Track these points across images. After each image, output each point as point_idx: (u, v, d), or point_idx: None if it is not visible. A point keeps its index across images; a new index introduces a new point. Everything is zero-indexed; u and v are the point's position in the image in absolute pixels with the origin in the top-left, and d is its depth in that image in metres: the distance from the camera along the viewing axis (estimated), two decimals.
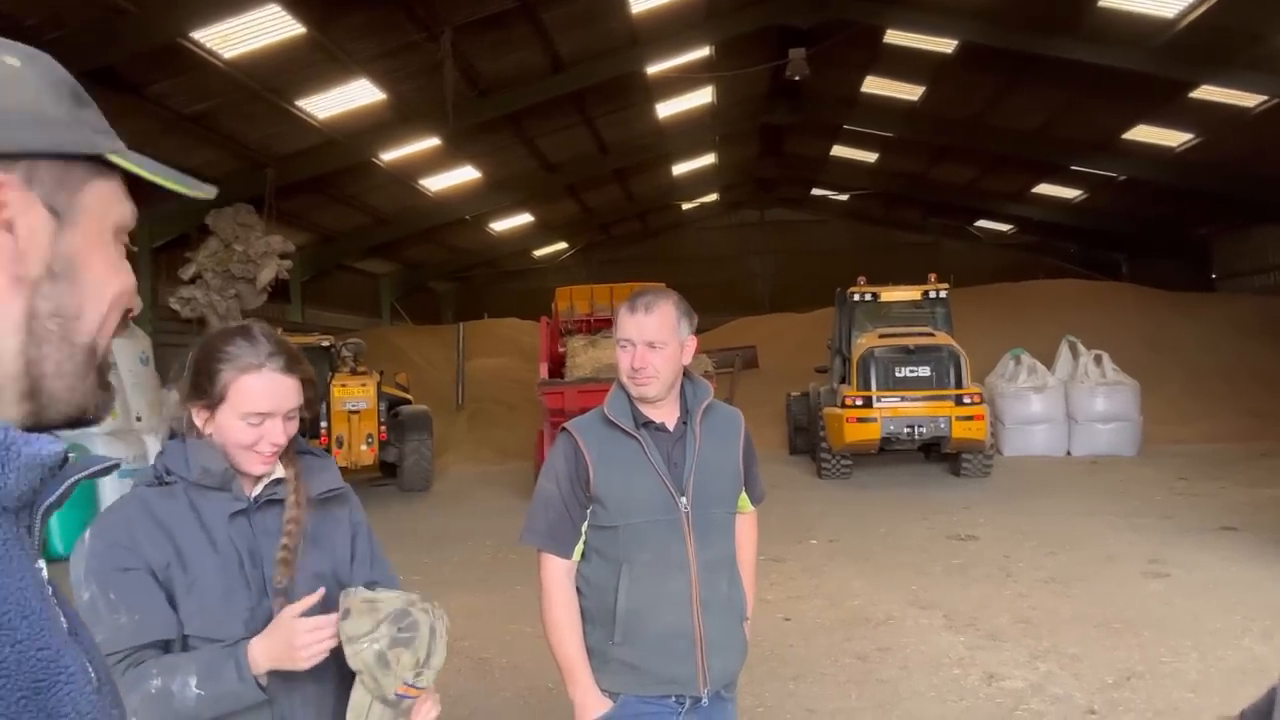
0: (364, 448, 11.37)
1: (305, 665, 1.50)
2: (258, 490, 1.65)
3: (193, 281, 14.27)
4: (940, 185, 23.27)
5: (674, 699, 2.08)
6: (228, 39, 10.35)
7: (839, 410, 10.80)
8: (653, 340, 2.05)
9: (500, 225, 23.19)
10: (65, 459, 0.62)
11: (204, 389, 1.59)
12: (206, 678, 1.46)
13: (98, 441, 8.75)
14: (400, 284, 24.55)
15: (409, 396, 13.38)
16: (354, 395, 11.37)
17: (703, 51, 15.53)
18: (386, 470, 12.25)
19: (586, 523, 2.11)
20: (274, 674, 1.52)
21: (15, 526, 0.62)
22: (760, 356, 19.78)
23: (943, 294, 12.20)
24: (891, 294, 12.29)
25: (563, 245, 27.61)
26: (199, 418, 1.61)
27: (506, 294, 26.80)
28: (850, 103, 18.50)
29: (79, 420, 0.67)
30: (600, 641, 2.08)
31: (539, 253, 27.55)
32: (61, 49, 8.24)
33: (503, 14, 12.07)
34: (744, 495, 2.28)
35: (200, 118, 12.03)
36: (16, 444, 0.60)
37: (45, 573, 0.65)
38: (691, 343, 2.14)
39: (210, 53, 10.42)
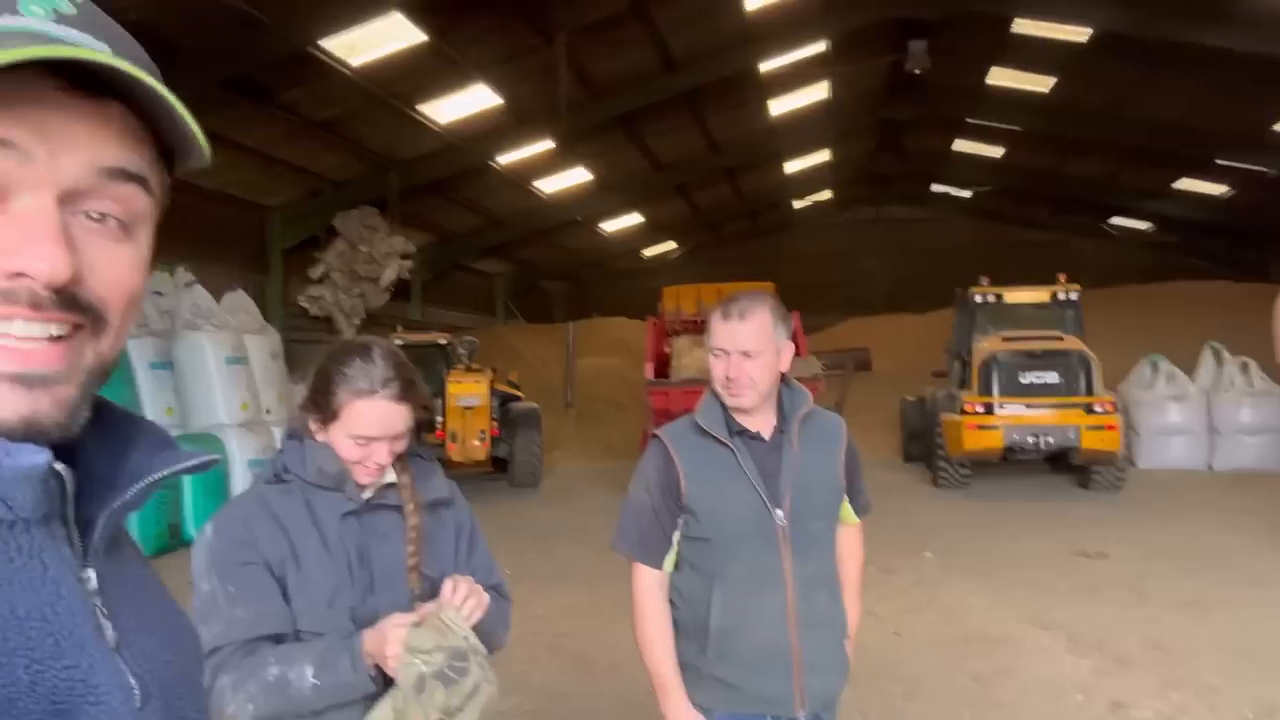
0: (477, 443, 11.65)
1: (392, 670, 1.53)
2: (369, 493, 1.69)
3: (321, 281, 15.00)
4: (1072, 180, 22.09)
5: (769, 719, 2.00)
6: (355, 47, 10.79)
7: (958, 417, 10.38)
8: (748, 349, 1.96)
9: (610, 225, 23.40)
10: (54, 468, 0.56)
11: (320, 404, 1.65)
12: (323, 667, 1.51)
13: (231, 434, 9.27)
14: (514, 283, 25.10)
15: (520, 394, 13.64)
16: (468, 392, 11.66)
17: (818, 47, 15.22)
18: (498, 465, 12.52)
19: (679, 533, 2.04)
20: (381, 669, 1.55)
21: (34, 538, 0.58)
22: (874, 359, 19.27)
23: (1073, 296, 11.53)
24: (1017, 295, 11.70)
25: (671, 245, 27.64)
26: (314, 425, 1.68)
27: (616, 293, 27.03)
28: (974, 95, 17.78)
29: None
30: (693, 656, 2.02)
31: (648, 252, 27.67)
32: (199, 58, 8.76)
33: (615, 16, 12.15)
34: (846, 506, 2.17)
35: (328, 124, 12.58)
36: None
37: (94, 582, 0.61)
38: (788, 348, 2.04)
39: (338, 61, 10.88)
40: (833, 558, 2.09)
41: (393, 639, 1.51)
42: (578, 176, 18.26)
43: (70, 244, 0.55)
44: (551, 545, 8.40)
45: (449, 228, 18.98)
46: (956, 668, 4.97)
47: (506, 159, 15.75)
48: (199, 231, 12.82)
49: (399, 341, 12.15)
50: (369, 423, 1.62)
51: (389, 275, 15.26)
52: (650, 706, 4.31)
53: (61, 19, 0.56)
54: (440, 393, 11.52)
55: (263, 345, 10.41)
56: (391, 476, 1.71)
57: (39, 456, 0.54)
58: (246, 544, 1.59)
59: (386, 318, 16.04)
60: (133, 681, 0.61)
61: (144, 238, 0.62)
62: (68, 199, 0.56)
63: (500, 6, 10.97)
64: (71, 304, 0.56)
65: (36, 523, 0.58)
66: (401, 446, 1.69)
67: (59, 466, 0.56)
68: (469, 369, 12.27)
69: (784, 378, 2.06)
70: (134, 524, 7.92)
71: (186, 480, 8.62)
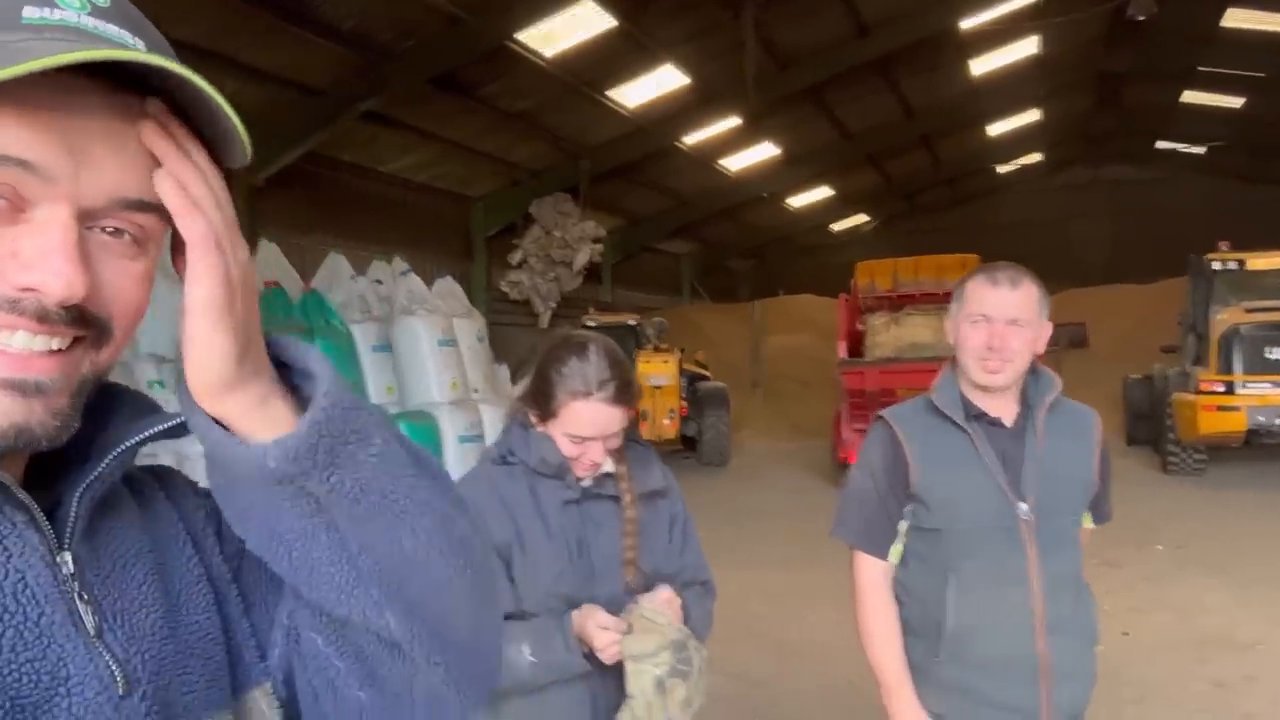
0: (666, 421, 11.84)
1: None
2: (587, 482, 1.73)
3: (519, 266, 15.71)
4: None
5: None
6: (548, 38, 11.12)
7: (1192, 397, 9.41)
8: (1016, 317, 1.80)
9: (798, 200, 22.90)
10: None
11: (539, 402, 1.70)
12: (539, 646, 1.57)
13: (443, 411, 9.91)
14: (699, 263, 25.17)
15: (707, 373, 13.71)
16: (657, 371, 11.85)
17: None
18: (687, 444, 12.67)
19: (906, 523, 1.92)
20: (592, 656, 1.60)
21: None
22: (1091, 334, 17.79)
23: None
24: (1261, 261, 10.40)
25: (862, 218, 26.68)
26: (534, 418, 1.73)
27: (803, 270, 26.46)
28: (1207, 40, 15.87)
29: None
30: (922, 657, 1.89)
31: (837, 226, 26.87)
32: (411, 59, 9.31)
33: None
34: (1085, 513, 1.98)
35: (524, 115, 13.07)
36: None
37: (69, 567, 0.58)
38: (1047, 329, 1.87)
39: (533, 52, 11.26)
40: (1079, 557, 1.91)
41: (601, 643, 1.55)
42: (764, 152, 17.98)
43: (85, 261, 0.54)
44: (743, 525, 8.40)
45: (637, 210, 19.28)
46: (1193, 672, 4.52)
47: (693, 139, 15.76)
48: (412, 223, 13.76)
49: (590, 323, 12.53)
50: (584, 424, 1.65)
51: (581, 259, 15.74)
52: (850, 699, 4.22)
53: (97, 12, 0.54)
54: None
55: (470, 328, 11.04)
56: (610, 466, 1.74)
57: None
58: None
59: (579, 300, 16.56)
60: (114, 669, 0.57)
61: (156, 253, 0.60)
62: (85, 216, 0.55)
63: None
64: (79, 319, 0.55)
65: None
66: (617, 443, 1.71)
67: None
68: (657, 349, 12.47)
69: (1032, 363, 1.89)
70: None
71: None
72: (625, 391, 1.67)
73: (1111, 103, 21.34)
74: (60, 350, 0.55)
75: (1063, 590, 1.85)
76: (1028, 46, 16.53)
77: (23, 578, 0.55)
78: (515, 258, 15.63)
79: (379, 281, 10.87)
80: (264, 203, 10.86)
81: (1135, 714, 4.09)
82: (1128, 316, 17.99)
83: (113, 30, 0.54)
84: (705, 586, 1.86)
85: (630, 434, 1.76)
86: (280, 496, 0.59)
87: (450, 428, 9.86)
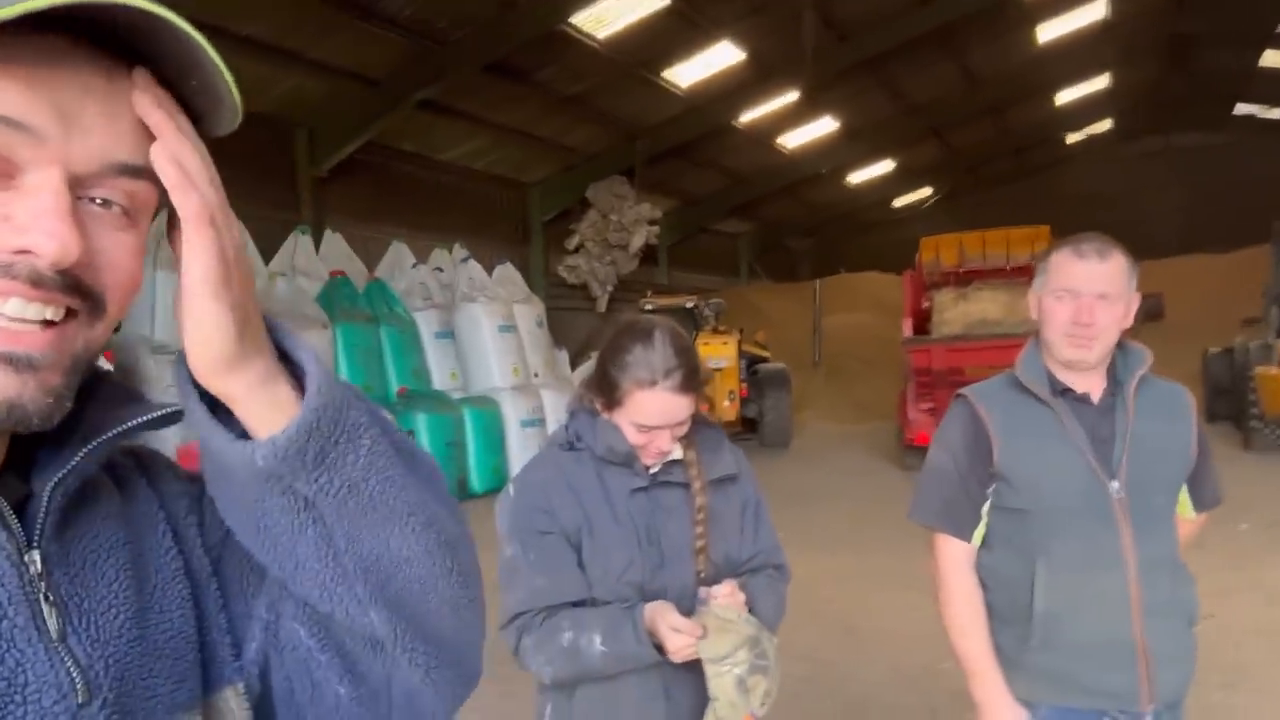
0: (726, 404, 11.78)
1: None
2: (656, 468, 1.70)
3: (576, 251, 15.77)
4: None
5: (1108, 716, 1.78)
6: (601, 20, 11.08)
7: (1276, 370, 9.04)
8: (1105, 291, 1.72)
9: (858, 176, 22.51)
10: None
11: (604, 389, 1.67)
12: (609, 636, 1.55)
13: (505, 396, 10.02)
14: (757, 243, 24.94)
15: (767, 354, 13.59)
16: (716, 353, 11.79)
17: None
18: (748, 426, 12.59)
19: (988, 503, 1.85)
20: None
21: None
22: (1166, 307, 17.17)
23: None
24: None
25: (925, 192, 26.11)
26: (599, 405, 1.70)
27: (864, 247, 26.02)
28: None
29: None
30: (1011, 643, 1.83)
31: (899, 202, 26.34)
32: (467, 46, 9.36)
33: None
34: (1184, 499, 1.89)
35: (578, 98, 13.06)
36: None
37: (37, 566, 0.56)
38: (1136, 300, 1.80)
39: (587, 35, 11.23)
40: (1176, 537, 1.83)
41: (674, 646, 1.53)
42: (823, 127, 17.69)
43: (80, 225, 0.53)
44: (807, 507, 8.32)
45: (693, 191, 19.16)
46: None
47: (748, 117, 15.58)
48: (471, 211, 13.89)
49: (648, 306, 12.51)
50: (650, 413, 1.62)
51: (637, 241, 15.72)
52: (923, 683, 4.16)
53: None
54: None
55: (529, 313, 11.13)
56: (678, 453, 1.70)
57: None
58: (545, 513, 1.65)
59: (636, 283, 16.55)
60: (76, 675, 0.55)
61: (145, 226, 0.59)
62: (76, 184, 0.54)
63: None
64: (74, 287, 0.54)
65: None
66: (684, 430, 1.67)
67: None
68: (716, 330, 12.40)
69: (1120, 339, 1.82)
70: None
71: (469, 437, 9.44)
72: (692, 379, 1.63)
73: (1183, 67, 20.45)
74: (54, 323, 0.54)
75: (1159, 572, 1.77)
76: (1096, 10, 15.93)
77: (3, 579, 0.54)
78: (572, 242, 15.69)
79: (440, 269, 11.01)
80: (327, 193, 11.07)
81: (1223, 700, 3.95)
82: (1205, 288, 17.29)
83: None
84: (779, 570, 1.83)
85: (699, 418, 1.72)
86: (268, 493, 0.60)
87: (513, 412, 9.97)
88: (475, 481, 9.30)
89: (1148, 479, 1.76)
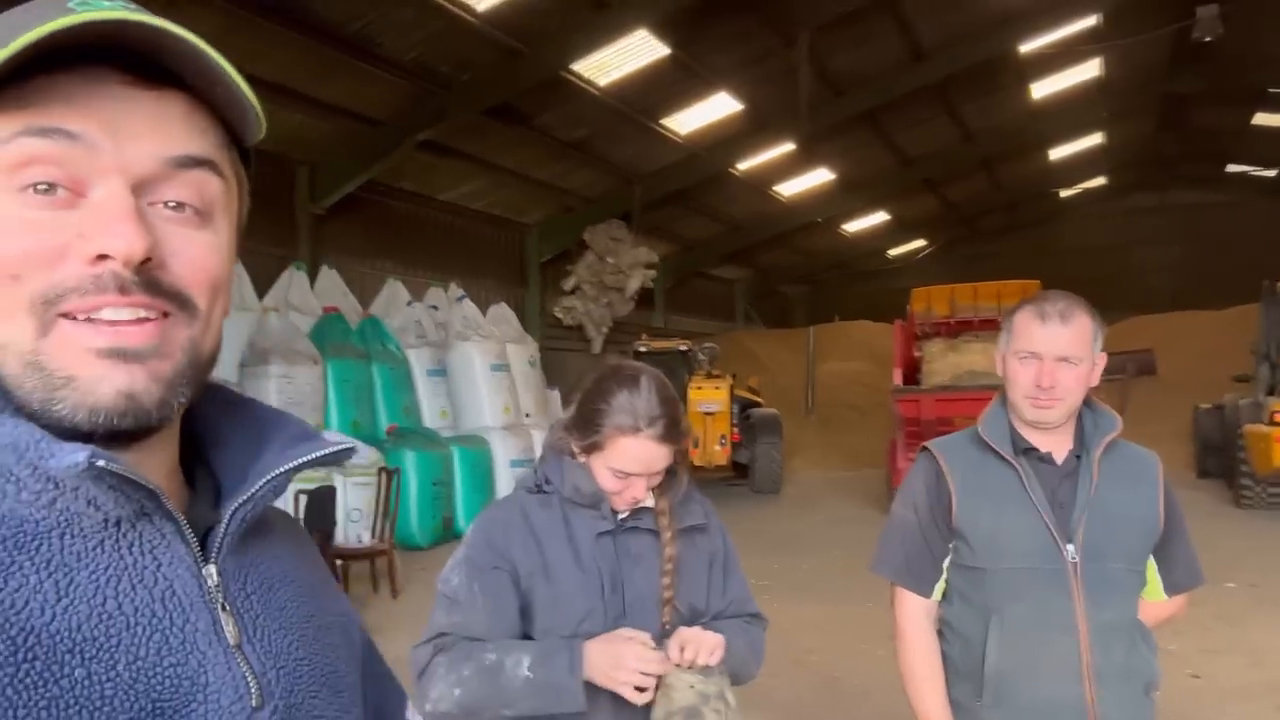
0: (718, 448, 11.76)
1: (618, 689, 1.48)
2: (624, 514, 1.67)
3: (573, 292, 15.85)
4: None
5: None
6: (602, 67, 11.27)
7: (1267, 428, 9.03)
8: (1066, 355, 1.71)
9: (853, 226, 22.74)
10: (97, 467, 0.53)
11: (584, 432, 1.64)
12: (540, 662, 1.49)
13: (495, 435, 10.00)
14: (753, 289, 25.09)
15: (760, 399, 13.61)
16: (708, 397, 11.80)
17: (1088, 21, 13.88)
18: (739, 471, 12.56)
19: (949, 559, 1.85)
20: (596, 695, 1.50)
21: (144, 536, 0.58)
22: (1159, 362, 17.24)
23: None
24: None
25: (920, 243, 26.35)
26: (576, 447, 1.67)
27: (858, 296, 26.18)
28: (1278, 60, 15.40)
29: (96, 424, 0.55)
30: (966, 697, 1.81)
31: (893, 252, 26.58)
32: (470, 90, 9.50)
33: (860, 10, 11.78)
34: (1153, 578, 1.84)
35: (578, 143, 13.24)
36: (28, 455, 0.54)
37: (214, 579, 0.61)
38: (1102, 360, 1.79)
39: (588, 82, 11.42)
40: (1135, 607, 1.80)
41: (629, 656, 1.47)
42: (819, 177, 17.91)
43: (146, 225, 0.56)
44: (795, 556, 8.28)
45: (690, 236, 19.33)
46: (1271, 719, 4.29)
47: (746, 165, 15.78)
48: (469, 250, 13.99)
49: (642, 349, 12.55)
50: (630, 459, 1.60)
51: (634, 285, 15.81)
52: None
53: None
54: (682, 399, 11.77)
55: (522, 353, 11.16)
56: (649, 501, 1.68)
57: (78, 454, 0.52)
58: (501, 551, 1.62)
59: (632, 325, 16.61)
60: (250, 681, 0.60)
61: (223, 223, 0.62)
62: (140, 189, 0.57)
63: (740, 12, 11.00)
64: (155, 289, 0.56)
65: (138, 520, 0.58)
66: (658, 479, 1.66)
67: (113, 465, 0.53)
68: (709, 375, 12.43)
69: (1087, 399, 1.81)
70: (414, 518, 8.76)
71: (457, 478, 9.41)
72: (674, 429, 1.62)
73: (1177, 126, 20.80)
74: (150, 320, 0.57)
75: (1114, 638, 1.75)
76: (1089, 69, 16.25)
77: (170, 585, 0.58)
78: (569, 284, 15.78)
79: (435, 307, 11.06)
80: (325, 230, 11.16)
81: None
82: (1197, 344, 17.39)
83: (144, 12, 0.56)
84: (755, 618, 1.80)
85: (671, 468, 1.69)
86: None
87: (502, 451, 9.94)
88: (461, 521, 9.24)
89: (1106, 545, 1.74)
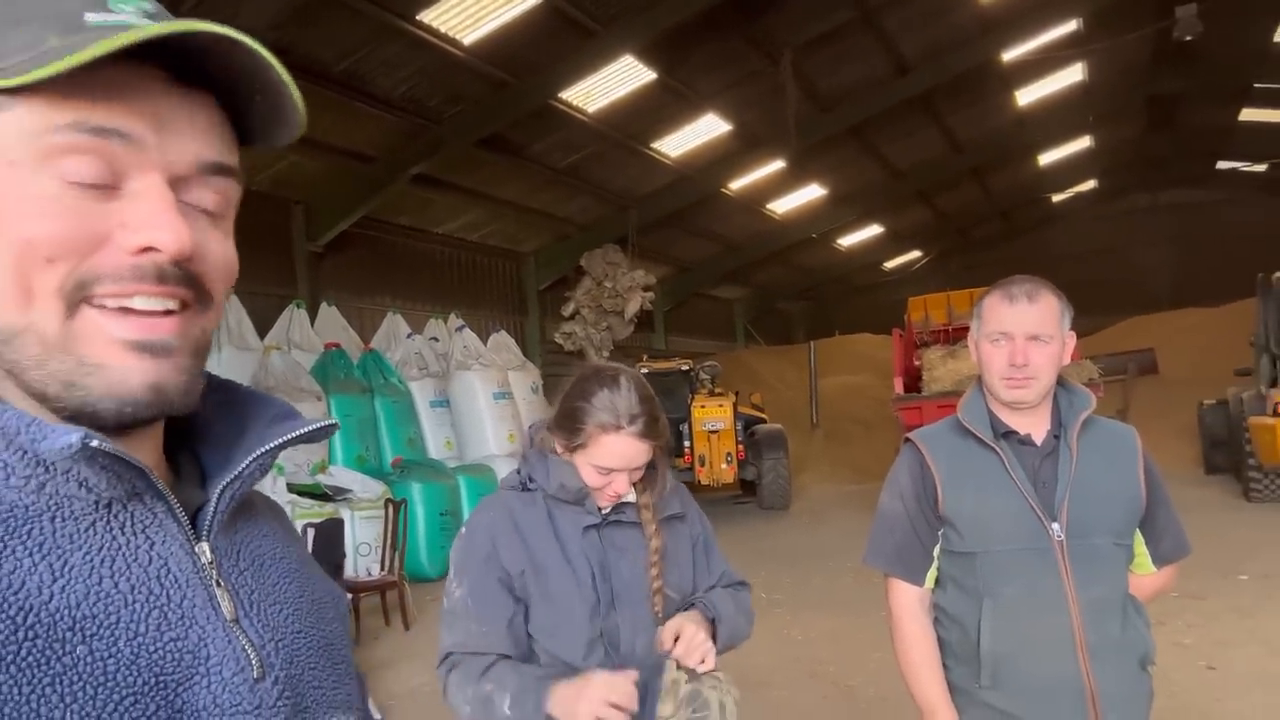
0: (724, 466, 11.75)
1: None
2: (607, 509, 1.73)
3: (572, 318, 15.92)
4: None
5: None
6: (590, 95, 11.40)
7: (1271, 420, 9.03)
8: (1036, 333, 1.76)
9: (848, 240, 22.84)
10: (90, 448, 0.53)
11: (567, 431, 1.70)
12: (516, 702, 1.55)
13: (501, 464, 10.00)
14: (751, 307, 25.17)
15: (764, 416, 13.61)
16: (712, 416, 11.80)
17: (1067, 27, 14.04)
18: (746, 488, 12.53)
19: (939, 546, 1.88)
20: None
21: (136, 516, 0.59)
22: (1160, 360, 17.25)
23: None
24: None
25: (915, 254, 26.46)
26: (560, 446, 1.73)
27: (857, 309, 26.26)
28: (1262, 56, 15.55)
29: (127, 412, 0.57)
30: (964, 680, 1.83)
31: (890, 264, 26.67)
32: (461, 123, 9.59)
33: (841, 27, 11.93)
34: (1141, 551, 1.87)
35: (571, 170, 13.36)
36: (18, 440, 0.54)
37: (208, 556, 0.62)
38: (1071, 340, 1.83)
39: (577, 109, 11.54)
40: (1124, 580, 1.82)
41: (587, 699, 1.47)
42: (811, 194, 18.03)
43: (188, 222, 0.58)
44: (806, 569, 8.25)
45: (687, 257, 19.43)
46: None
47: (738, 184, 15.90)
48: (467, 281, 14.09)
49: (644, 370, 12.58)
50: (611, 456, 1.66)
51: (632, 307, 15.88)
52: None
53: (147, 16, 0.58)
54: (686, 418, 11.77)
55: (524, 380, 11.19)
56: (632, 496, 1.74)
57: (71, 436, 0.53)
58: (490, 558, 1.67)
59: (632, 348, 16.66)
60: (250, 653, 0.61)
61: (231, 219, 0.64)
62: (174, 186, 0.58)
63: (723, 34, 11.15)
64: (189, 280, 0.58)
65: (129, 501, 0.59)
66: (640, 475, 1.72)
67: (105, 446, 0.54)
68: (712, 393, 12.44)
69: (1061, 379, 1.85)
70: (423, 549, 8.74)
71: (465, 505, 9.41)
72: (654, 425, 1.68)
73: (1165, 126, 20.95)
74: (173, 312, 0.58)
75: (1106, 613, 1.77)
76: (1073, 74, 16.40)
77: (165, 563, 0.60)
78: (568, 309, 15.85)
79: (435, 339, 11.11)
80: (323, 267, 11.24)
81: None
82: (1198, 341, 17.41)
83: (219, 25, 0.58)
84: (740, 585, 1.87)
85: (650, 463, 1.75)
86: None
87: None
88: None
89: (1089, 521, 1.76)
